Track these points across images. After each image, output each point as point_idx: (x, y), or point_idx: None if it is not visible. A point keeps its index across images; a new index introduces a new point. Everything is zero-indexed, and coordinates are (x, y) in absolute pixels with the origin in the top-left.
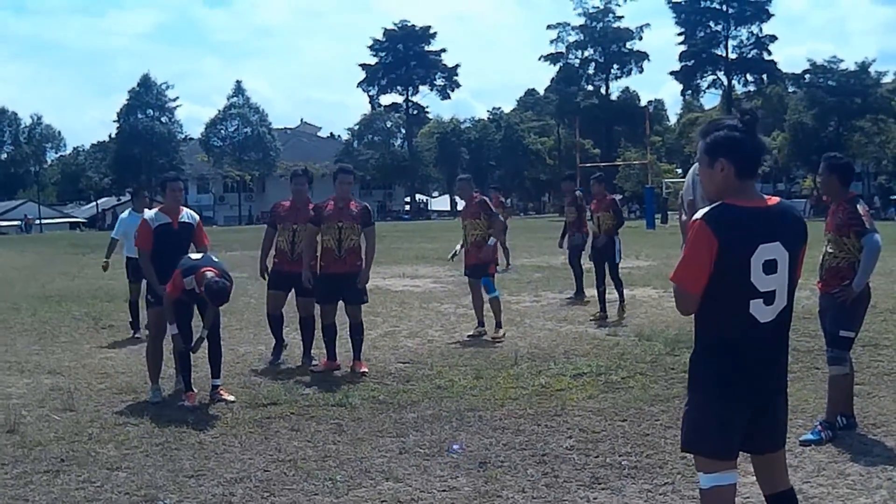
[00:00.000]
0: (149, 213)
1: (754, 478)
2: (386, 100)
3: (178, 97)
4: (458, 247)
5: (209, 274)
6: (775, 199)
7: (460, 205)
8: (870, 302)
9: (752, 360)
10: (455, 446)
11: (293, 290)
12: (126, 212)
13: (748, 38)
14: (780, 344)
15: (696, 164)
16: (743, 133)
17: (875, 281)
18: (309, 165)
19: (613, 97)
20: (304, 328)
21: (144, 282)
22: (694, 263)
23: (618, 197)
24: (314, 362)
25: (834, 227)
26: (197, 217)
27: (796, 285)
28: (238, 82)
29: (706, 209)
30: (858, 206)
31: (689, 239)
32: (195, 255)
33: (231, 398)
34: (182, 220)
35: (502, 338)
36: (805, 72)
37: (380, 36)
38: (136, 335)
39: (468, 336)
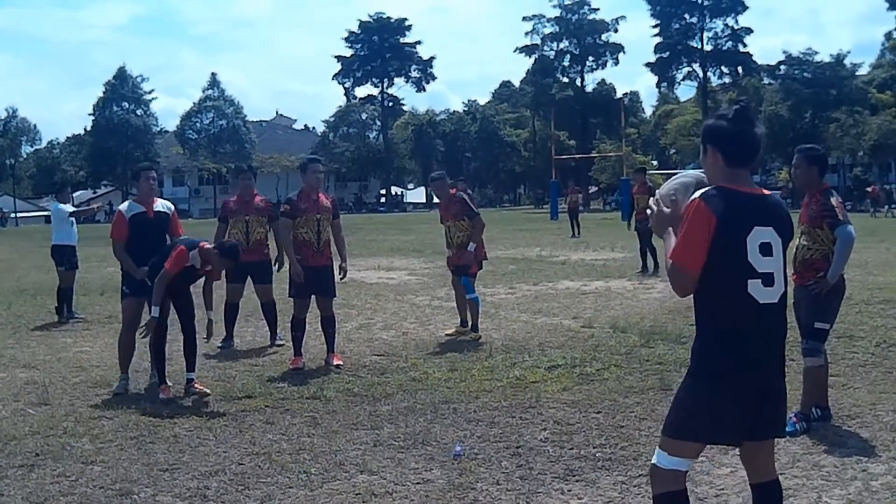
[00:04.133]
0: (123, 205)
1: (729, 469)
2: (361, 92)
3: (153, 90)
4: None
5: (208, 246)
6: (768, 192)
7: (436, 197)
8: (844, 294)
9: (755, 344)
10: (458, 448)
11: (249, 278)
12: (53, 204)
13: (723, 30)
14: (781, 328)
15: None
16: (730, 121)
17: (849, 273)
18: (284, 158)
19: (589, 89)
20: (267, 312)
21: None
22: (693, 241)
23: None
24: (279, 341)
25: (807, 219)
26: (172, 207)
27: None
28: (213, 74)
29: (702, 190)
30: (832, 198)
31: (688, 218)
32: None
33: (206, 391)
34: (157, 209)
35: (482, 339)
36: (780, 63)
37: (355, 28)
38: (62, 320)
39: (446, 334)
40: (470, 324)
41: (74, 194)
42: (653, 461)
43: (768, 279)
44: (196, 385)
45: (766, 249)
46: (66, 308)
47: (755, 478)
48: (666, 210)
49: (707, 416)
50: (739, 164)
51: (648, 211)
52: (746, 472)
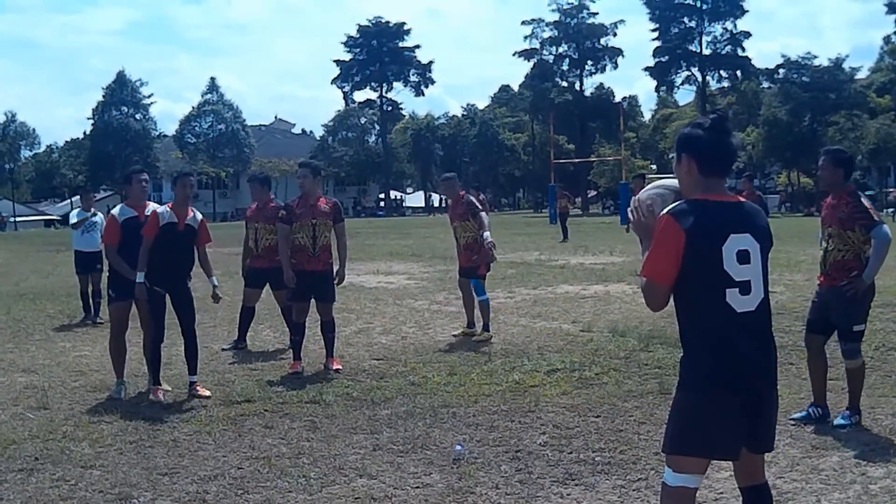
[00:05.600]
0: (115, 209)
1: (728, 473)
2: (360, 96)
3: (152, 94)
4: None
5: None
6: (743, 199)
7: (435, 200)
8: (875, 293)
9: (738, 353)
10: (458, 447)
11: (268, 284)
12: (75, 211)
13: (722, 34)
14: (764, 337)
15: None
16: (707, 131)
17: None
18: (283, 162)
19: (587, 93)
20: (288, 316)
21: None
22: (661, 256)
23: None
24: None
25: (837, 221)
26: (200, 216)
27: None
28: (212, 79)
29: (672, 205)
30: (863, 199)
31: (657, 234)
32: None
33: (207, 394)
34: (148, 213)
35: (488, 342)
36: (779, 67)
37: (354, 32)
38: (87, 320)
39: (454, 335)
40: (481, 324)
41: (74, 198)
42: (662, 478)
43: (745, 287)
44: (198, 387)
45: (743, 257)
46: (88, 309)
47: (744, 481)
48: (643, 219)
49: (700, 429)
50: (715, 174)
51: (629, 218)
52: (735, 476)
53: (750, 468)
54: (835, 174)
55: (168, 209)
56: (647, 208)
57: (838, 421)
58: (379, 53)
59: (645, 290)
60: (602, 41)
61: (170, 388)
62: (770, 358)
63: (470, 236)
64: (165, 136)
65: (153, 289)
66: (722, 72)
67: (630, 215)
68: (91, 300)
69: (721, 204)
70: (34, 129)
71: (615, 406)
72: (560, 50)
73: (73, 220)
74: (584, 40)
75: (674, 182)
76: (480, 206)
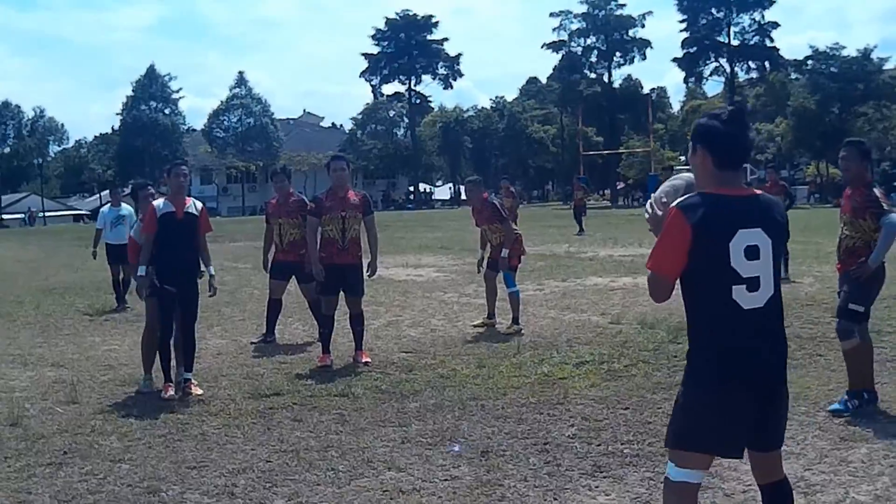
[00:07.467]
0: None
1: None
2: (388, 89)
3: (181, 88)
4: (483, 253)
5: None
6: (759, 192)
7: (464, 193)
8: (884, 282)
9: (743, 351)
10: (456, 447)
11: (293, 277)
12: (106, 206)
13: (750, 25)
14: (773, 334)
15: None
16: (724, 123)
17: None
18: (312, 156)
19: (616, 85)
20: (315, 310)
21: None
22: (667, 249)
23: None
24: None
25: (850, 210)
26: (200, 205)
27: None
28: (240, 73)
29: (682, 198)
30: (875, 189)
31: (664, 226)
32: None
33: (199, 392)
34: (188, 210)
35: (517, 334)
36: (807, 58)
37: (382, 25)
38: (120, 307)
39: (474, 325)
40: (510, 317)
41: (102, 193)
42: (665, 473)
43: (753, 284)
44: (192, 385)
45: (752, 253)
46: (120, 297)
47: (763, 479)
48: (659, 213)
49: (702, 425)
50: (729, 167)
51: (645, 214)
52: (753, 474)
53: (765, 466)
54: (861, 166)
55: (165, 201)
56: (660, 202)
57: (833, 406)
58: (407, 46)
59: (649, 281)
60: (630, 33)
61: (172, 383)
62: (779, 356)
63: (500, 237)
64: (194, 130)
65: (164, 287)
66: (750, 63)
67: (646, 212)
68: (122, 287)
69: (733, 198)
70: (62, 125)
71: (644, 398)
72: (588, 42)
73: (98, 224)
74: (612, 32)
75: (689, 174)
76: (509, 203)
